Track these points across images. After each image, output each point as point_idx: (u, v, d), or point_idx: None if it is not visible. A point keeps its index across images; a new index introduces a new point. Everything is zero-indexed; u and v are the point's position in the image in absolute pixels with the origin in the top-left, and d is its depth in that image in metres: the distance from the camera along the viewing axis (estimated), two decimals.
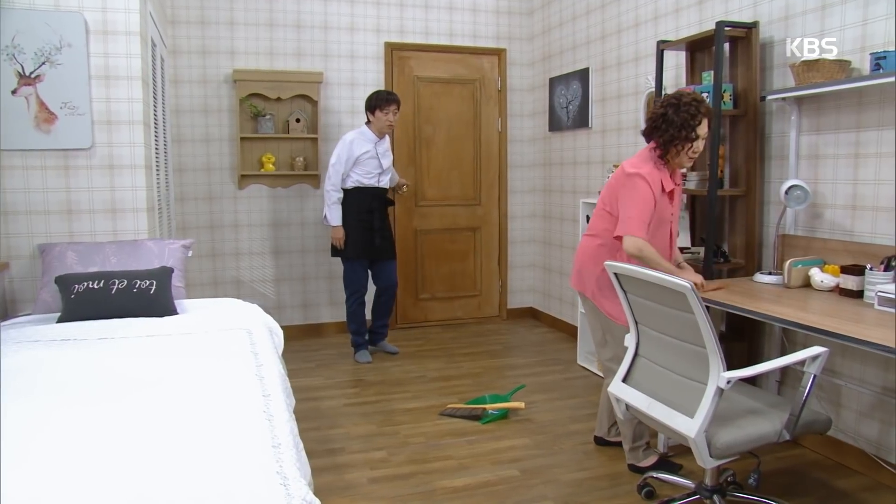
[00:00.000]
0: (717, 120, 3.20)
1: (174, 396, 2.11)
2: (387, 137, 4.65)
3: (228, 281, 5.19)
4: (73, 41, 3.40)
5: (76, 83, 3.43)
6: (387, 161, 4.60)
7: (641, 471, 2.90)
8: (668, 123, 2.71)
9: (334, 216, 4.53)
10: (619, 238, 2.77)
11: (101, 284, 3.09)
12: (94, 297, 3.06)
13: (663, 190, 2.79)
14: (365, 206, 4.53)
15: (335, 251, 4.62)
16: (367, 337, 4.79)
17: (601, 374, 4.19)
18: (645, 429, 2.92)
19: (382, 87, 5.33)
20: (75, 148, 3.49)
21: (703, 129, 2.72)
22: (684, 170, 2.91)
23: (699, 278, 2.78)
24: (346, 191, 4.54)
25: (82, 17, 3.41)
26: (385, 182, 4.61)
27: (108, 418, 1.92)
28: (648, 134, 2.82)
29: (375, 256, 4.63)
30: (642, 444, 2.94)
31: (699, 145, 2.75)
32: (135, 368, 2.39)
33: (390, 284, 4.74)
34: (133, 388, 2.18)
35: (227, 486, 1.56)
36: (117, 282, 3.12)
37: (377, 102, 4.47)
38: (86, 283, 3.08)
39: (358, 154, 4.46)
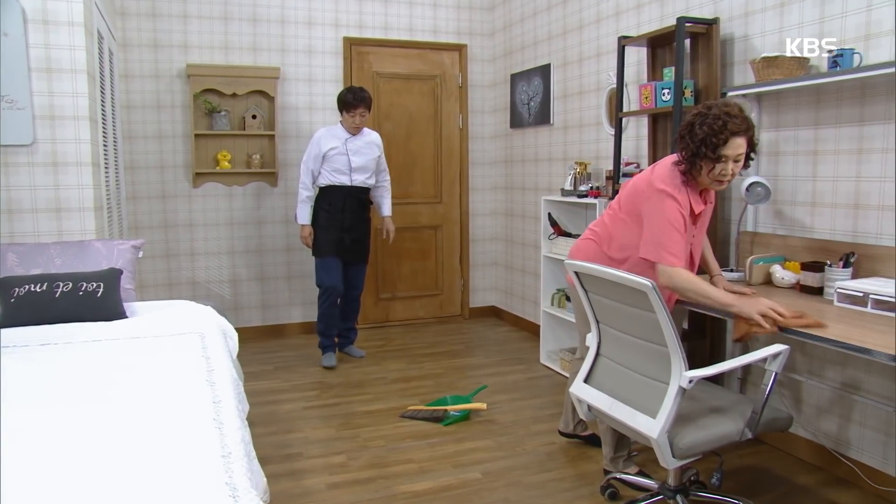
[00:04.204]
0: (679, 117, 3.18)
1: (119, 405, 2.02)
2: (368, 135, 4.49)
3: (183, 282, 5.04)
4: (9, 30, 3.23)
5: (14, 75, 3.26)
6: (359, 159, 4.40)
7: (622, 483, 2.78)
8: (692, 137, 2.35)
9: (301, 215, 4.43)
10: (646, 259, 2.46)
11: (45, 287, 2.95)
12: (36, 301, 2.92)
13: (692, 212, 2.46)
14: (337, 204, 4.39)
15: (313, 249, 4.51)
16: (336, 340, 4.62)
17: (565, 374, 4.18)
18: (629, 439, 2.78)
19: (341, 83, 5.24)
20: (15, 144, 3.32)
21: (731, 150, 2.31)
22: (716, 188, 2.50)
23: (767, 303, 2.27)
24: (320, 189, 4.44)
25: (19, 5, 3.24)
26: (360, 181, 4.43)
27: (49, 429, 1.82)
28: (676, 144, 2.47)
29: (346, 257, 4.48)
30: (624, 453, 2.83)
31: (728, 168, 2.34)
32: (78, 376, 2.28)
33: (357, 290, 4.64)
34: (76, 397, 2.08)
35: (173, 500, 1.47)
36: (62, 284, 2.98)
37: (343, 105, 4.34)
38: (27, 286, 2.93)
39: (325, 150, 4.33)
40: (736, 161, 2.36)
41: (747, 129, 2.36)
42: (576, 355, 3.06)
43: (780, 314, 2.23)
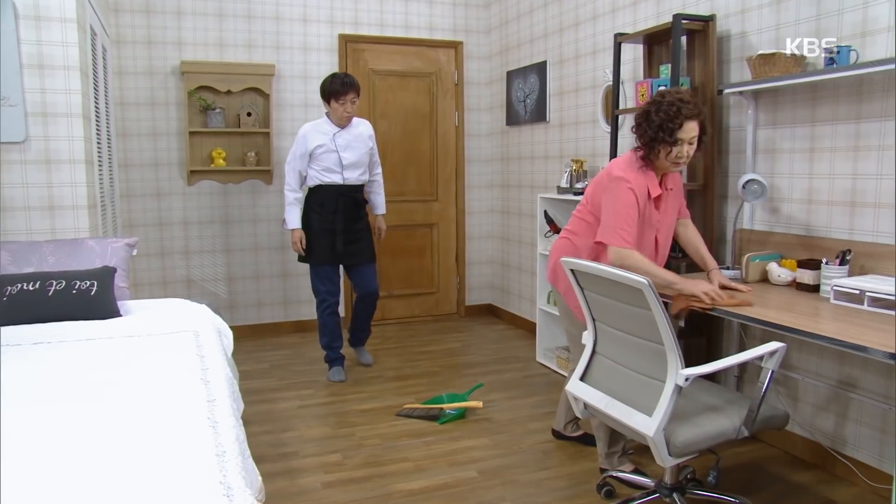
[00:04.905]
0: None
1: (112, 404, 2.01)
2: (358, 126, 4.10)
3: (178, 280, 5.02)
4: (0, 26, 3.20)
5: (6, 72, 3.23)
6: (351, 154, 4.03)
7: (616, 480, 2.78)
8: (648, 123, 2.53)
9: (290, 218, 4.09)
10: (601, 243, 2.62)
11: (37, 286, 2.93)
12: (29, 300, 2.90)
13: (649, 196, 2.61)
14: (329, 206, 4.03)
15: (300, 256, 4.18)
16: (341, 352, 4.28)
17: (562, 372, 4.17)
18: (622, 434, 2.74)
19: None
20: (8, 141, 3.30)
21: (686, 133, 2.50)
22: (673, 170, 2.68)
23: (709, 287, 2.51)
24: (310, 189, 4.11)
25: (10, 1, 3.21)
26: (354, 178, 4.06)
27: (42, 428, 1.81)
28: (634, 133, 2.65)
29: (343, 262, 4.15)
30: (618, 449, 2.83)
31: (683, 150, 2.53)
32: (71, 375, 2.27)
33: (369, 292, 4.24)
34: (69, 396, 2.07)
35: (166, 500, 1.46)
36: (55, 283, 2.96)
37: (331, 91, 3.94)
38: (20, 285, 2.91)
39: (312, 148, 3.98)
40: (690, 143, 2.54)
41: (699, 114, 2.53)
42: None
43: (718, 295, 2.47)
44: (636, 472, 2.79)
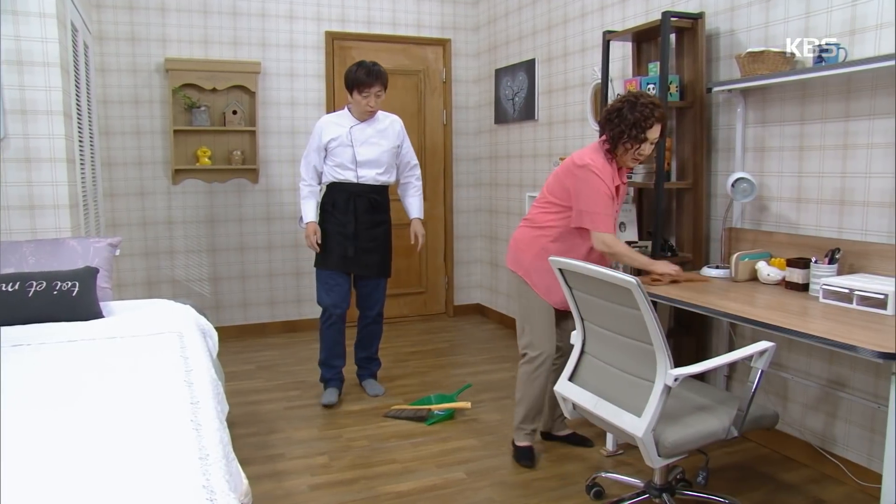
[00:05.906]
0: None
1: (94, 407, 1.97)
2: (383, 121, 3.73)
3: (163, 280, 4.96)
4: None
5: None
6: (368, 150, 3.64)
7: (515, 447, 3.04)
8: (621, 119, 2.69)
9: (305, 212, 3.72)
10: (581, 229, 2.78)
11: (17, 287, 2.87)
12: (8, 301, 2.84)
13: (612, 185, 2.76)
14: (341, 206, 3.67)
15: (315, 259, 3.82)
16: (341, 371, 3.89)
17: None
18: (536, 415, 3.00)
19: (323, 78, 5.18)
20: None
21: (653, 134, 2.70)
22: (632, 165, 2.88)
23: (675, 268, 2.82)
24: (326, 186, 3.75)
25: None
26: (370, 177, 3.66)
27: (21, 432, 1.77)
28: (602, 126, 2.79)
29: (354, 270, 3.76)
30: (527, 428, 3.00)
31: (646, 148, 2.73)
32: (52, 377, 2.22)
33: (367, 313, 3.87)
34: (49, 399, 2.02)
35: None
36: (35, 283, 2.90)
37: (355, 82, 3.54)
38: None
39: (326, 142, 3.63)
40: (652, 143, 2.74)
41: (665, 118, 2.76)
42: (522, 342, 3.00)
43: (678, 272, 2.81)
44: (527, 449, 2.99)
